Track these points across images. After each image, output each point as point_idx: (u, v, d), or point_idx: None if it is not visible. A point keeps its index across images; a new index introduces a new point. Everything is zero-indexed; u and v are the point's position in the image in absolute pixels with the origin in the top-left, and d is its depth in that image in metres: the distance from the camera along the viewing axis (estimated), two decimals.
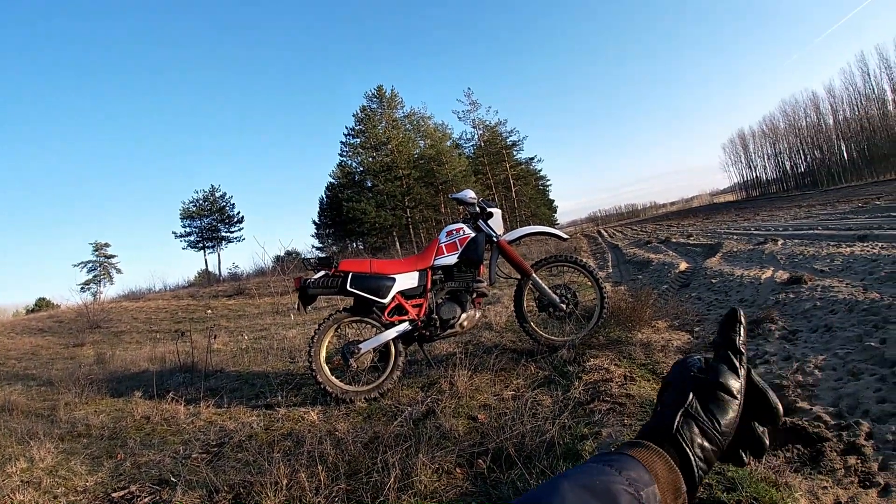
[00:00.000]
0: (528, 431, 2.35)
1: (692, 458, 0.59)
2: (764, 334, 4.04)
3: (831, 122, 69.47)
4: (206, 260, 53.82)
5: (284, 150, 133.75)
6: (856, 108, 64.10)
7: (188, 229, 52.32)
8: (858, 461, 2.08)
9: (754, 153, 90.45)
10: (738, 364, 0.66)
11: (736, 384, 0.64)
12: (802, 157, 77.28)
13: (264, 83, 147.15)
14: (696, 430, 0.61)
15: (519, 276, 4.13)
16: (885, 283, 4.63)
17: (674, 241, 15.20)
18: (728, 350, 0.67)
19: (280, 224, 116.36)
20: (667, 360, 3.59)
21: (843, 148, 68.31)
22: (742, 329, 0.68)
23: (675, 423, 0.62)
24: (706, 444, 0.61)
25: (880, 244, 6.92)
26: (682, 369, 0.69)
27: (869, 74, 61.09)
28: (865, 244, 7.21)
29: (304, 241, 61.95)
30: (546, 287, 4.05)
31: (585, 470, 0.56)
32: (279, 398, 3.92)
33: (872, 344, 3.22)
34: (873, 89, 60.76)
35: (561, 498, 0.51)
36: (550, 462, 2.14)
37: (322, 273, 3.87)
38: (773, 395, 0.65)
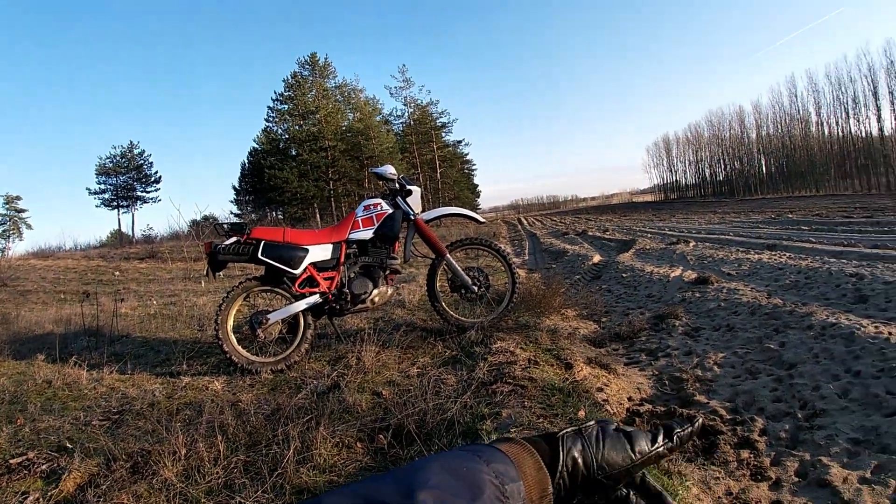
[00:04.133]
0: (430, 409, 2.36)
1: (560, 461, 0.62)
2: (668, 329, 4.21)
3: (754, 136, 72.55)
4: (119, 220, 52.30)
5: (209, 110, 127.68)
6: (779, 126, 66.76)
7: (103, 186, 50.40)
8: (751, 455, 2.14)
9: (676, 158, 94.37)
10: (660, 440, 0.68)
11: (642, 445, 0.66)
12: (722, 167, 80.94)
13: (193, 37, 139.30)
14: (578, 445, 0.63)
15: (434, 256, 4.14)
16: (789, 291, 4.89)
17: (590, 234, 15.74)
18: (663, 426, 0.70)
19: (198, 187, 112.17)
20: (572, 347, 3.68)
21: (763, 162, 71.70)
22: (691, 431, 0.71)
23: (564, 431, 0.65)
24: (580, 461, 0.62)
25: (787, 254, 7.26)
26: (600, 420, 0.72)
27: (796, 96, 63.67)
28: (773, 253, 7.57)
29: (223, 207, 60.05)
30: (460, 269, 4.07)
31: (456, 455, 0.58)
32: (184, 366, 3.80)
33: (772, 346, 3.37)
34: (798, 110, 63.38)
35: (427, 478, 0.53)
36: (450, 440, 2.16)
37: (234, 239, 3.73)
38: (668, 498, 0.68)
